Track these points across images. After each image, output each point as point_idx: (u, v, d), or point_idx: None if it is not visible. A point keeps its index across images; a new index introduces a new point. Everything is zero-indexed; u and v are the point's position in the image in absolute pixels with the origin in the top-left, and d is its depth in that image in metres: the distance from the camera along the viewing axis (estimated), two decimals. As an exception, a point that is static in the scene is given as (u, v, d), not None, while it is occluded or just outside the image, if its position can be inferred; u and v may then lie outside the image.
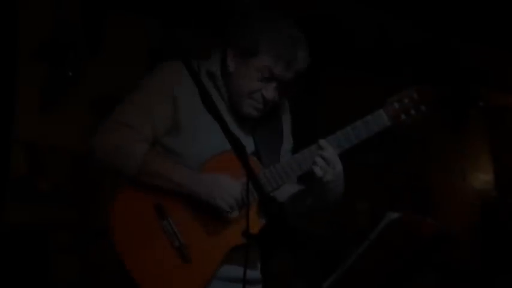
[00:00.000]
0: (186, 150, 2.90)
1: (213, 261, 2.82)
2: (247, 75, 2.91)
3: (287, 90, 3.02)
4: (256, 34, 2.89)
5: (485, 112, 8.21)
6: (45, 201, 5.39)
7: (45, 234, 5.26)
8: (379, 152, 7.11)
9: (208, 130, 2.81)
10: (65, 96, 5.56)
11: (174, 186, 2.83)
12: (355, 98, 6.63)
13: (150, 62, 5.90)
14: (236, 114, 3.02)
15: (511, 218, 7.92)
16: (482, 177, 8.31)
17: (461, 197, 8.10)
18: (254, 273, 3.03)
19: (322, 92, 6.97)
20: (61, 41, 5.48)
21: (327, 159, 2.85)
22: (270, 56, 2.87)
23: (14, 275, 4.89)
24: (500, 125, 8.37)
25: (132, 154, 2.84)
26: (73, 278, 5.36)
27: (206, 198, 2.80)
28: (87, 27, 5.64)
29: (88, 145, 2.91)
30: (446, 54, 6.71)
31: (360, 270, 2.91)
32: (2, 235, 4.87)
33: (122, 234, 2.80)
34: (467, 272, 7.58)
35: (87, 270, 5.39)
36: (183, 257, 2.80)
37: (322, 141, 2.88)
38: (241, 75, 2.93)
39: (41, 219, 5.31)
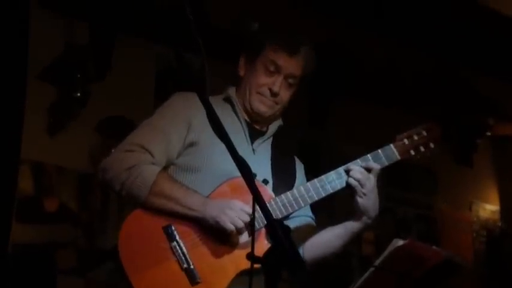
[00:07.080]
0: (204, 164, 2.93)
1: (221, 285, 2.80)
2: (254, 72, 3.06)
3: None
4: (260, 38, 3.13)
5: (492, 142, 8.21)
6: (52, 222, 5.37)
7: (51, 254, 5.25)
8: (384, 181, 7.10)
9: (222, 152, 2.83)
10: (73, 117, 5.57)
11: (183, 210, 2.83)
12: (364, 128, 6.65)
13: (157, 84, 5.93)
14: (255, 139, 3.09)
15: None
16: (488, 208, 8.29)
17: (467, 226, 8.07)
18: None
19: (329, 122, 6.96)
20: (69, 62, 5.49)
21: (362, 172, 2.95)
22: (272, 48, 3.04)
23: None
24: (506, 155, 8.37)
25: (144, 174, 2.84)
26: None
27: (216, 220, 2.79)
28: (96, 49, 5.66)
29: (100, 165, 2.92)
30: (455, 84, 6.72)
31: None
32: (9, 255, 4.86)
33: (130, 255, 2.79)
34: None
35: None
36: (192, 279, 2.78)
37: (350, 164, 2.98)
38: (250, 74, 3.08)
39: (48, 240, 5.29)
